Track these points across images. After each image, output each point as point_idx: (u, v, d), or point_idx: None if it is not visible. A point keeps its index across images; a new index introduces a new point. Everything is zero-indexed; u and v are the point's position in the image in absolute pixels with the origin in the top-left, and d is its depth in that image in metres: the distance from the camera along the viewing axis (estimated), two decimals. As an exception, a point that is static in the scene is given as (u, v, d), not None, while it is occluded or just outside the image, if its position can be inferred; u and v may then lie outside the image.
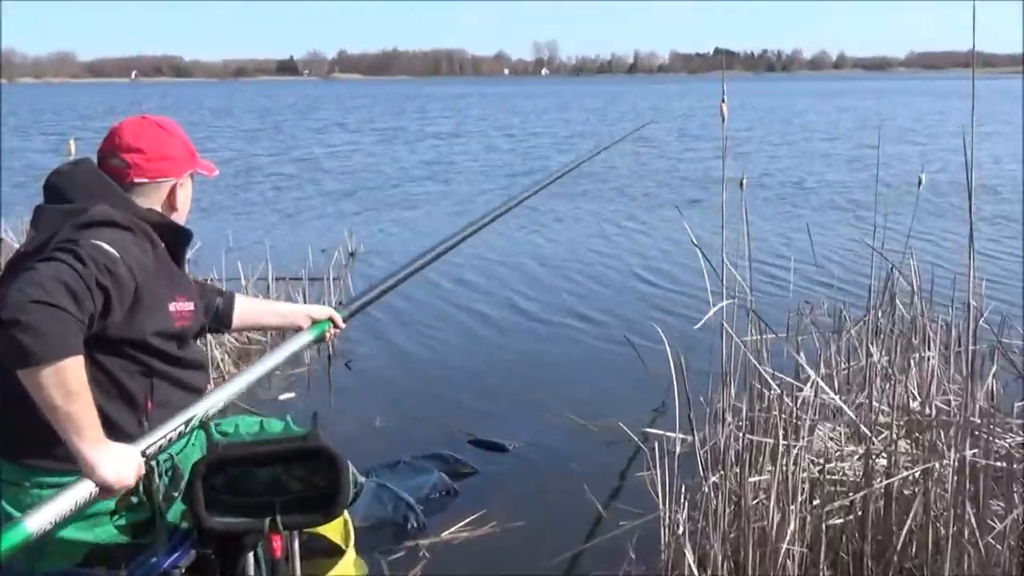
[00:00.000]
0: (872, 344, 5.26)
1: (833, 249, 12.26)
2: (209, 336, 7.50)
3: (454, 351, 8.39)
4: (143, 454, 2.57)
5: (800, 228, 14.19)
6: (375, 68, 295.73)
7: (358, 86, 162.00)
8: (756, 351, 4.60)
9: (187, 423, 2.70)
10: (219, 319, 3.25)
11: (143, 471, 2.56)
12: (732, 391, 4.22)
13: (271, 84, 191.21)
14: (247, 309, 3.30)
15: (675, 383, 4.22)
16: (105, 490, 2.46)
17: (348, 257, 12.30)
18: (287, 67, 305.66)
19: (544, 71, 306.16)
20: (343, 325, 3.29)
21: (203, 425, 2.79)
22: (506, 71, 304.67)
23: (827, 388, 4.61)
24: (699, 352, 5.70)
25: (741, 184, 4.86)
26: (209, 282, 3.44)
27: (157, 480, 2.73)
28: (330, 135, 37.41)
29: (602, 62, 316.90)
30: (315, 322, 3.26)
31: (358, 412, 6.79)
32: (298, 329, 3.25)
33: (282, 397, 7.16)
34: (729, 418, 4.06)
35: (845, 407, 4.46)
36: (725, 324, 4.12)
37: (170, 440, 2.66)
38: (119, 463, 2.47)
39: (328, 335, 3.28)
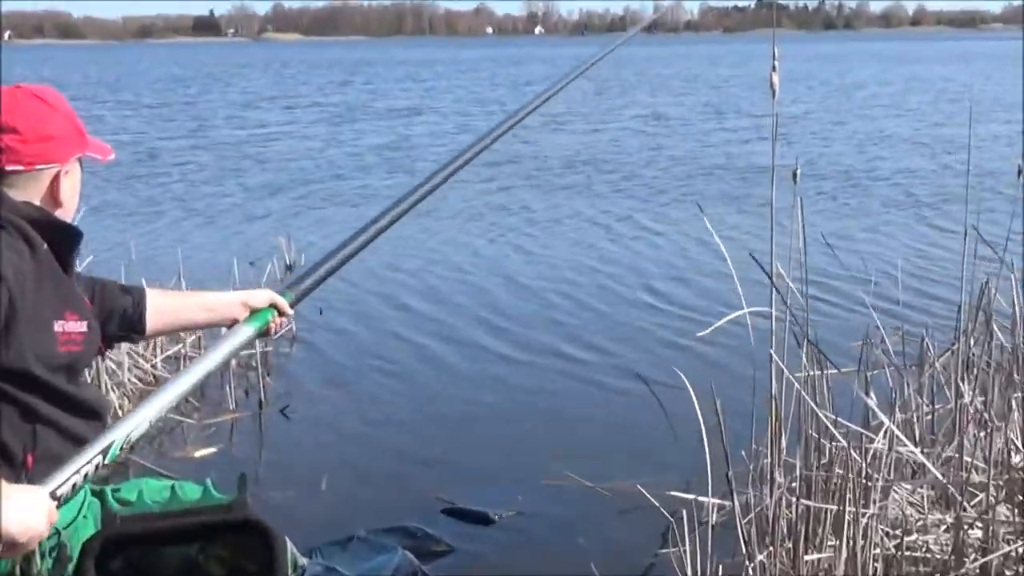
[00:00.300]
0: (962, 381, 5.28)
1: (909, 258, 12.35)
2: (104, 375, 7.50)
3: (420, 391, 8.40)
4: (53, 496, 2.53)
5: (865, 230, 14.28)
6: (319, 26, 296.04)
7: (297, 49, 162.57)
8: (813, 390, 4.61)
9: (104, 451, 2.66)
10: (129, 324, 3.21)
11: (56, 517, 2.52)
12: (783, 443, 4.22)
13: (185, 47, 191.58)
14: (164, 306, 3.26)
15: (707, 433, 4.22)
16: (8, 546, 2.41)
17: (285, 271, 12.33)
18: (206, 25, 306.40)
19: (538, 29, 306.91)
20: (290, 312, 3.27)
21: (97, 492, 2.77)
22: (489, 29, 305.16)
23: (905, 438, 4.62)
24: (738, 393, 5.70)
25: (795, 176, 4.85)
26: (108, 281, 3.37)
27: (38, 562, 2.71)
28: (259, 112, 37.59)
29: (613, 18, 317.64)
30: (254, 311, 3.23)
31: (299, 472, 6.79)
32: (233, 323, 3.22)
33: (199, 453, 7.15)
34: (779, 478, 4.07)
35: (928, 463, 4.47)
36: (774, 355, 4.13)
37: (86, 476, 2.61)
38: (24, 510, 2.43)
39: (273, 326, 3.24)
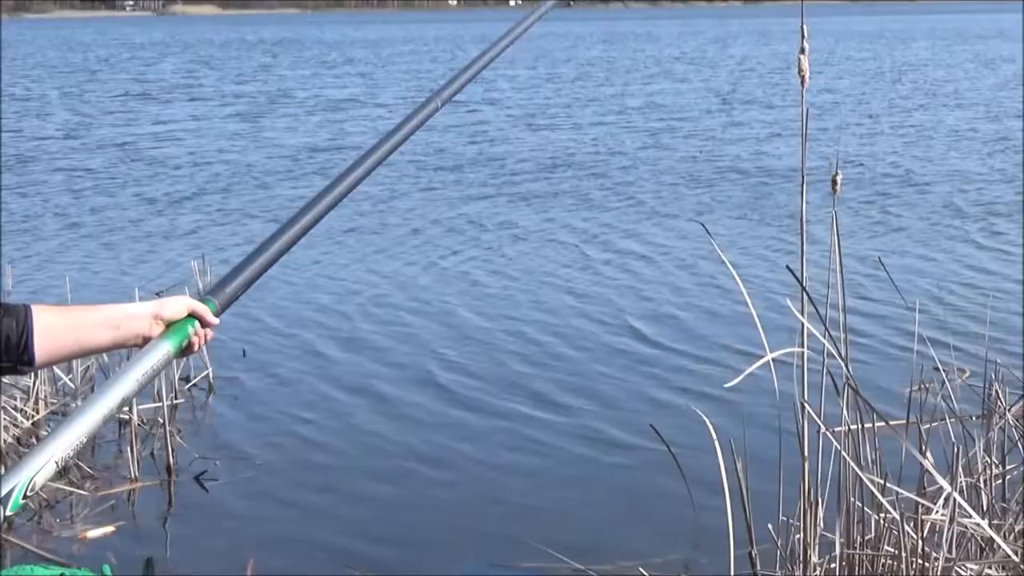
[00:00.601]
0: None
1: (969, 283, 12.44)
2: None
3: (364, 450, 8.44)
4: None
5: (913, 248, 14.38)
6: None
7: (212, 25, 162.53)
8: (856, 448, 4.65)
9: (3, 502, 2.64)
10: (13, 352, 3.15)
11: None
12: (819, 514, 4.25)
13: (72, 24, 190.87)
14: (57, 326, 3.17)
15: (726, 501, 4.24)
16: None
17: (200, 301, 12.31)
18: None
19: (514, 1, 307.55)
20: (215, 322, 3.22)
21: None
22: (453, 1, 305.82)
23: (969, 508, 4.65)
24: (764, 451, 5.74)
25: (834, 182, 4.88)
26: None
27: None
28: (160, 105, 37.56)
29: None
30: (169, 324, 3.18)
31: (218, 552, 6.79)
32: (144, 342, 3.16)
33: (94, 533, 7.15)
34: (815, 557, 4.10)
35: (999, 538, 4.50)
36: (807, 405, 4.16)
37: None
38: None
39: (195, 340, 3.19)
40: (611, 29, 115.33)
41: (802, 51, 3.87)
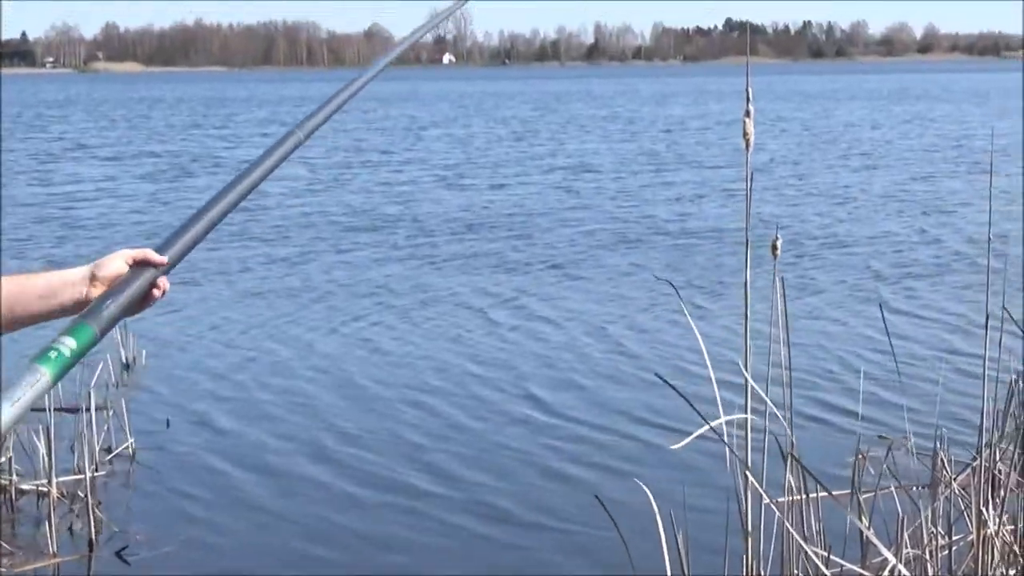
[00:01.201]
0: (987, 506, 5.35)
1: (913, 348, 12.51)
2: None
3: (294, 524, 8.37)
4: None
5: (851, 314, 14.45)
6: (164, 54, 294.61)
7: (135, 83, 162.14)
8: (799, 519, 4.65)
9: None
10: None
11: None
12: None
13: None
14: None
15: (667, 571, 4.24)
16: None
17: (122, 370, 12.27)
18: (18, 52, 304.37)
19: (447, 58, 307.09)
20: (164, 259, 3.01)
21: None
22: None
23: (916, 579, 4.66)
24: (705, 521, 5.74)
25: (774, 248, 4.89)
26: None
27: None
28: (72, 164, 37.25)
29: (543, 43, 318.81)
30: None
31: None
32: (80, 308, 2.96)
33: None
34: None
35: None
36: (749, 476, 4.17)
37: None
38: None
39: (155, 293, 3.01)
40: (544, 88, 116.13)
41: (747, 113, 3.88)
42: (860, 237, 20.71)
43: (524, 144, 43.81)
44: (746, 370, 4.15)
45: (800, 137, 44.52)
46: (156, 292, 2.94)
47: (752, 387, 4.11)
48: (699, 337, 4.51)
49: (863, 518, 5.44)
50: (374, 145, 44.41)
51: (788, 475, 4.62)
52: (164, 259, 2.93)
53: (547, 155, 38.39)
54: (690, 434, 4.17)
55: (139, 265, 2.93)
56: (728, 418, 4.12)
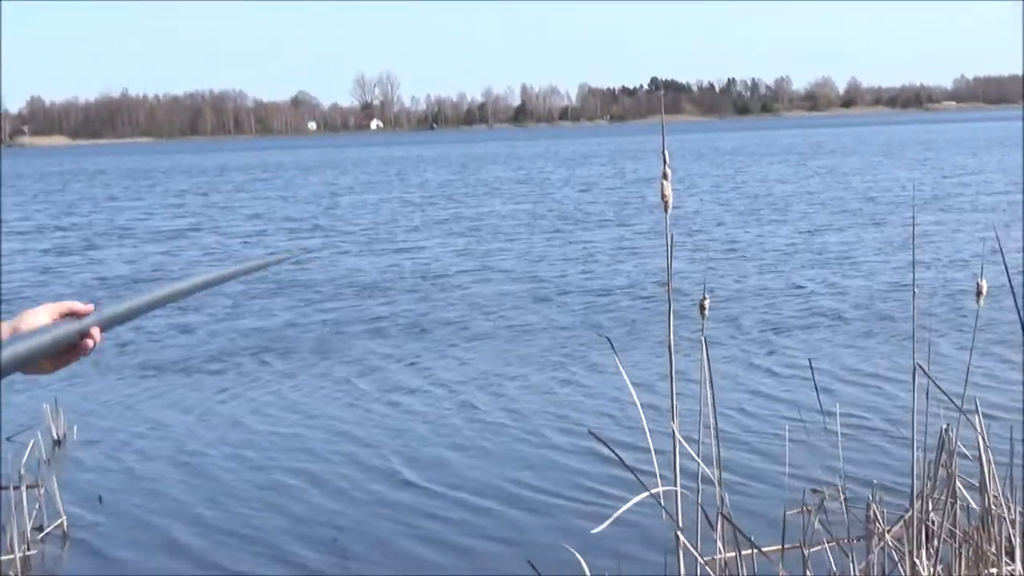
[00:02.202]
0: (919, 557, 5.38)
1: (844, 401, 12.59)
2: None
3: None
4: None
5: (782, 369, 14.54)
6: (90, 126, 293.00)
7: (60, 156, 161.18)
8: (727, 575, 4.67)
9: None
10: None
11: None
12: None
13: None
14: None
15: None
16: None
17: (52, 447, 12.16)
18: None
19: (375, 123, 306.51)
20: (89, 308, 2.92)
21: None
22: (312, 124, 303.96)
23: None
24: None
25: (702, 308, 4.92)
26: None
27: None
28: None
29: (470, 107, 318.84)
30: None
31: None
32: None
33: None
34: None
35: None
36: (682, 537, 4.18)
37: None
38: None
39: (87, 343, 2.90)
40: (465, 151, 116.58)
41: (664, 176, 3.91)
42: (766, 290, 20.94)
43: (436, 208, 44.06)
44: (675, 430, 4.17)
45: (712, 194, 44.97)
46: (88, 342, 2.81)
47: (681, 446, 4.14)
48: (636, 399, 4.53)
49: (808, 571, 5.47)
50: (287, 214, 44.42)
51: (718, 534, 4.63)
52: (90, 307, 2.84)
53: (454, 218, 38.63)
54: (620, 497, 4.17)
55: (64, 318, 2.82)
56: (664, 488, 4.13)
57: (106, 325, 2.86)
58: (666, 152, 3.89)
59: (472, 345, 17.08)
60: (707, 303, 4.69)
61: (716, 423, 4.23)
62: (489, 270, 25.33)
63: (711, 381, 4.29)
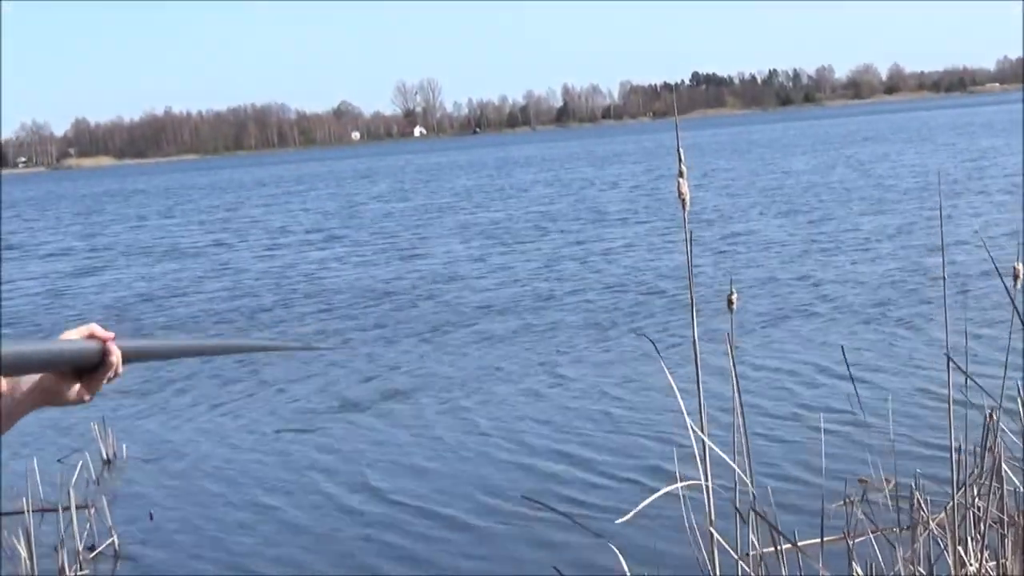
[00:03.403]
0: (964, 545, 5.34)
1: (878, 388, 12.52)
2: None
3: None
4: None
5: (818, 356, 14.49)
6: (135, 145, 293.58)
7: (102, 177, 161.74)
8: (763, 572, 4.65)
9: None
10: None
11: None
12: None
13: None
14: None
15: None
16: None
17: (103, 466, 12.24)
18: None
19: (418, 130, 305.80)
20: (111, 335, 2.95)
21: None
22: (356, 134, 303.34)
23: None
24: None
25: (730, 301, 4.91)
26: None
27: None
28: (39, 263, 37.31)
29: (512, 110, 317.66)
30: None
31: None
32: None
33: None
34: None
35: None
36: (715, 533, 4.17)
37: None
38: None
39: (112, 361, 2.91)
40: (506, 155, 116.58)
41: (680, 174, 3.91)
42: (785, 281, 20.98)
43: (455, 212, 44.24)
44: (703, 428, 4.17)
45: (731, 188, 44.86)
46: (111, 359, 2.83)
47: (708, 445, 4.14)
48: (678, 396, 4.53)
49: (854, 563, 5.45)
50: (311, 223, 44.65)
51: (751, 528, 4.63)
52: (111, 334, 2.83)
53: (469, 223, 38.94)
54: (652, 493, 4.18)
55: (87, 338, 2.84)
56: (688, 483, 4.14)
57: (127, 355, 2.91)
58: (681, 151, 3.89)
59: (486, 343, 17.15)
60: (735, 297, 4.68)
61: (743, 417, 4.23)
62: (500, 268, 25.40)
63: (736, 376, 4.29)
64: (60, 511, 9.38)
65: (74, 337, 2.82)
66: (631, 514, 4.05)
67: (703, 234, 28.83)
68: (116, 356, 2.84)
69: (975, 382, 5.38)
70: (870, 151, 64.04)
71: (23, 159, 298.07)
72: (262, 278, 28.22)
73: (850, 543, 5.59)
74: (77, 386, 2.80)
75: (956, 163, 47.66)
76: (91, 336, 2.83)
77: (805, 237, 27.77)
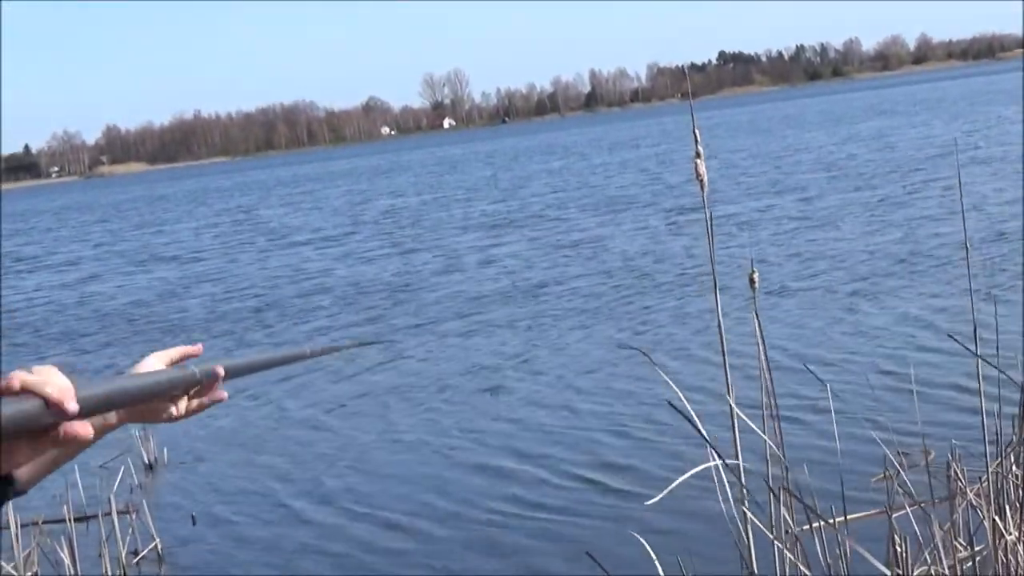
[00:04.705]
0: (1000, 515, 5.32)
1: (906, 360, 12.47)
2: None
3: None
4: None
5: (844, 332, 14.45)
6: (166, 150, 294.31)
7: (132, 184, 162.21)
8: (799, 549, 4.63)
9: None
10: None
11: None
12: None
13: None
14: None
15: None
16: None
17: (145, 472, 12.29)
18: (22, 166, 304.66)
19: (447, 122, 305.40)
20: (221, 372, 2.86)
21: None
22: (385, 129, 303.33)
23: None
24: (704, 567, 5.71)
25: (752, 281, 4.90)
26: None
27: None
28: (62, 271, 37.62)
29: (540, 97, 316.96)
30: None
31: None
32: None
33: None
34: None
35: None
36: (748, 513, 4.15)
37: None
38: None
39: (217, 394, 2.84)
40: (531, 143, 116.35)
41: (697, 155, 3.90)
42: (804, 256, 21.03)
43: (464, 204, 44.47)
44: (732, 403, 4.15)
45: (742, 167, 44.89)
46: (221, 393, 2.69)
47: (739, 417, 4.13)
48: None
49: (895, 536, 5.43)
50: (314, 224, 44.92)
51: (783, 506, 4.61)
52: (199, 347, 2.77)
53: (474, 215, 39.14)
54: (680, 477, 4.17)
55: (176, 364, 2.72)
56: (713, 464, 4.12)
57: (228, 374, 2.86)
58: (697, 132, 3.88)
59: (497, 330, 17.14)
60: (756, 276, 4.66)
61: (773, 393, 4.22)
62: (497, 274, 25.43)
63: (765, 350, 4.27)
64: (101, 516, 9.42)
65: (163, 359, 2.77)
66: (665, 492, 4.04)
67: (726, 214, 28.86)
68: (219, 392, 2.70)
69: (991, 365, 5.35)
70: (880, 125, 63.77)
71: (56, 168, 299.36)
72: (253, 280, 28.53)
73: (891, 516, 5.56)
74: (172, 407, 2.75)
75: (961, 133, 47.46)
76: (183, 356, 2.73)
77: (818, 210, 27.75)
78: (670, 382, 4.44)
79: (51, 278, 35.59)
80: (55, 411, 1.96)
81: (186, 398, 2.65)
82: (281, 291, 25.72)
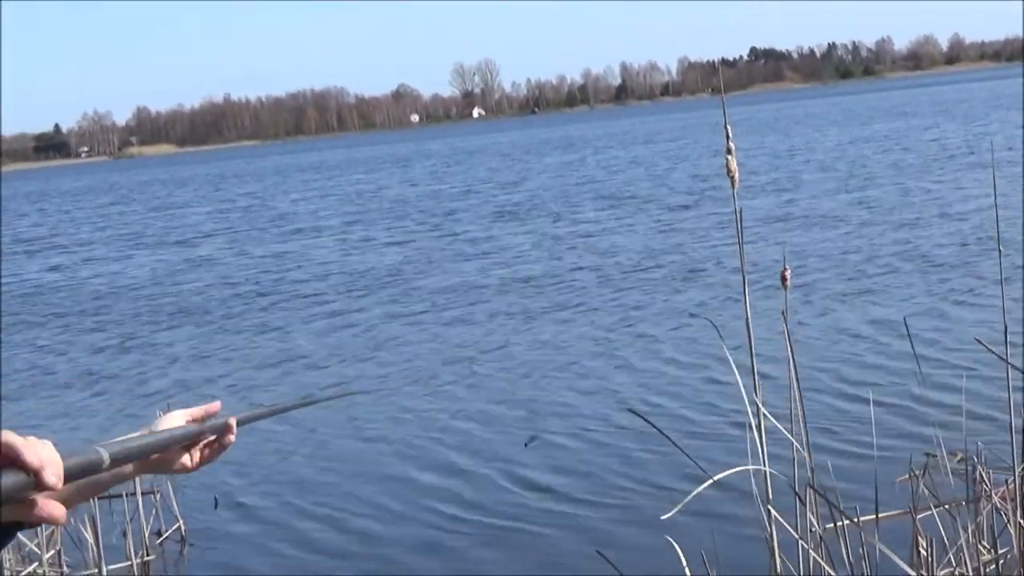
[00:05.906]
0: (1024, 517, 5.31)
1: (931, 361, 12.42)
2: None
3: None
4: None
5: (872, 334, 14.42)
6: (196, 133, 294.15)
7: (160, 166, 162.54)
8: (825, 549, 4.63)
9: None
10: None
11: None
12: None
13: (22, 176, 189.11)
14: None
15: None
16: None
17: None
18: (52, 145, 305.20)
19: (477, 111, 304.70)
20: (217, 406, 3.02)
21: None
22: (415, 117, 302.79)
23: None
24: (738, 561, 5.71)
25: (783, 279, 4.87)
26: None
27: None
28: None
29: (571, 89, 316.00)
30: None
31: None
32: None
33: None
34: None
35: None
36: (772, 510, 4.16)
37: None
38: None
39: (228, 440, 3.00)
40: (555, 135, 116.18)
41: (728, 151, 3.89)
42: (825, 256, 20.85)
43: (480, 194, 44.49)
44: (759, 406, 4.15)
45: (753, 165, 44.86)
46: (230, 437, 2.93)
47: (764, 414, 4.12)
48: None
49: (920, 537, 5.41)
50: (317, 211, 45.18)
51: (808, 506, 4.61)
52: (217, 405, 2.94)
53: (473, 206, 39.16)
54: (704, 480, 4.17)
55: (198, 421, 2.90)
56: (741, 469, 4.12)
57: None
58: (728, 129, 3.87)
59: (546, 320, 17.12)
60: (788, 274, 4.65)
61: (800, 393, 4.21)
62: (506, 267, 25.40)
63: (792, 350, 4.26)
64: (125, 497, 9.45)
65: (186, 420, 2.84)
66: (691, 496, 4.03)
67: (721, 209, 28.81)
68: (229, 439, 2.93)
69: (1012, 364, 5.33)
70: (882, 128, 63.51)
71: (85, 148, 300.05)
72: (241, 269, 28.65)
73: (915, 518, 5.55)
74: (186, 458, 2.83)
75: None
76: (204, 415, 2.88)
77: (847, 208, 27.67)
78: (735, 370, 4.43)
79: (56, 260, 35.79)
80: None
81: (197, 450, 2.81)
82: (271, 276, 25.90)
